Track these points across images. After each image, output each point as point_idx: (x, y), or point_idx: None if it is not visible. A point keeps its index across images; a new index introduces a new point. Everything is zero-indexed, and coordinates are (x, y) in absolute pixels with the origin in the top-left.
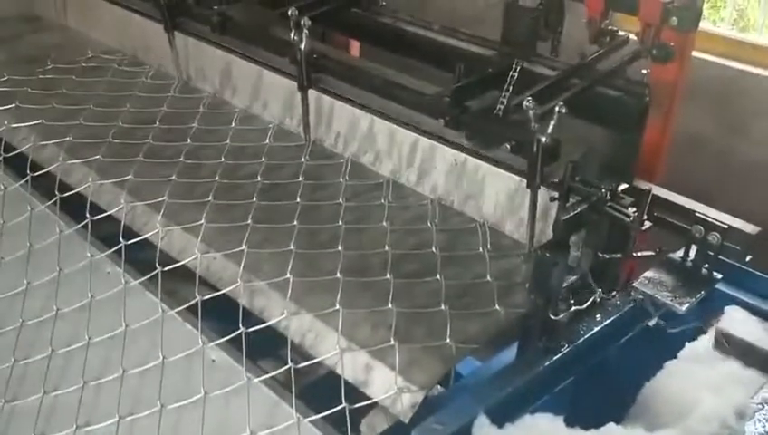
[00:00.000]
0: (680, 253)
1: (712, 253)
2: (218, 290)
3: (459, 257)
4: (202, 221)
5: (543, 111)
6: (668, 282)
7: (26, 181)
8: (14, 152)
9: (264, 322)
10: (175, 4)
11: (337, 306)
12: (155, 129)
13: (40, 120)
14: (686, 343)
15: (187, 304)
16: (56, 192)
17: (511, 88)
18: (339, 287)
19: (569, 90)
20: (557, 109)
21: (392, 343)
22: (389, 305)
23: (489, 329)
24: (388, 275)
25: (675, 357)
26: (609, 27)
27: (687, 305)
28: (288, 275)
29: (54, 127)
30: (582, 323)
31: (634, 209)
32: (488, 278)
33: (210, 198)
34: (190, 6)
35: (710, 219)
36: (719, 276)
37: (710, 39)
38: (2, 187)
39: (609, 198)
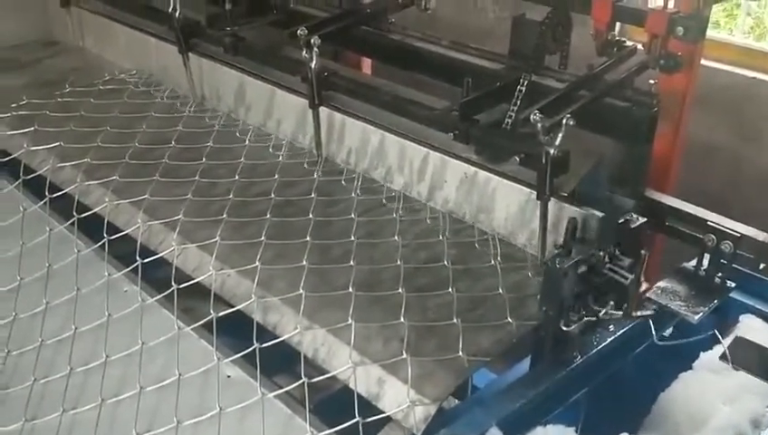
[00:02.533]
0: (693, 262)
1: (725, 261)
2: (233, 307)
3: (471, 270)
4: (216, 239)
5: (551, 123)
6: (682, 291)
7: (45, 203)
8: (33, 175)
9: (277, 337)
10: (189, 27)
11: (349, 321)
12: (170, 148)
13: (58, 143)
14: (701, 353)
15: (202, 321)
16: (74, 213)
17: (519, 101)
18: (351, 302)
19: (577, 102)
20: (564, 121)
21: (404, 356)
22: (401, 319)
23: (502, 341)
24: (400, 289)
25: (690, 367)
26: (617, 38)
27: (701, 315)
28: (301, 291)
29: (72, 149)
30: (595, 335)
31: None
32: (500, 291)
33: (224, 216)
34: (203, 29)
35: (722, 228)
36: (732, 285)
37: (722, 47)
38: (21, 208)
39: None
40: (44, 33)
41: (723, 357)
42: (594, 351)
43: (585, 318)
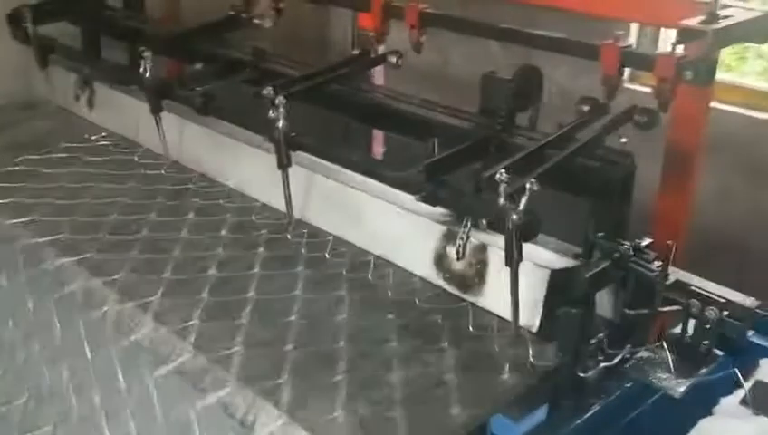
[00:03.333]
0: (678, 328)
1: (710, 328)
2: None
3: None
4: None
5: (514, 188)
6: (666, 360)
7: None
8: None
9: None
10: (160, 87)
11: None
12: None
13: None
14: (721, 398)
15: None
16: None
17: (487, 161)
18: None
19: (546, 161)
20: (528, 185)
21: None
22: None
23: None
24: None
25: (710, 413)
26: (589, 96)
27: (685, 387)
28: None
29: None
30: (613, 380)
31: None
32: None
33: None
34: (174, 88)
35: (707, 293)
36: (720, 353)
37: (733, 90)
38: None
39: (632, 253)
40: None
41: (743, 402)
42: (612, 397)
43: (602, 364)
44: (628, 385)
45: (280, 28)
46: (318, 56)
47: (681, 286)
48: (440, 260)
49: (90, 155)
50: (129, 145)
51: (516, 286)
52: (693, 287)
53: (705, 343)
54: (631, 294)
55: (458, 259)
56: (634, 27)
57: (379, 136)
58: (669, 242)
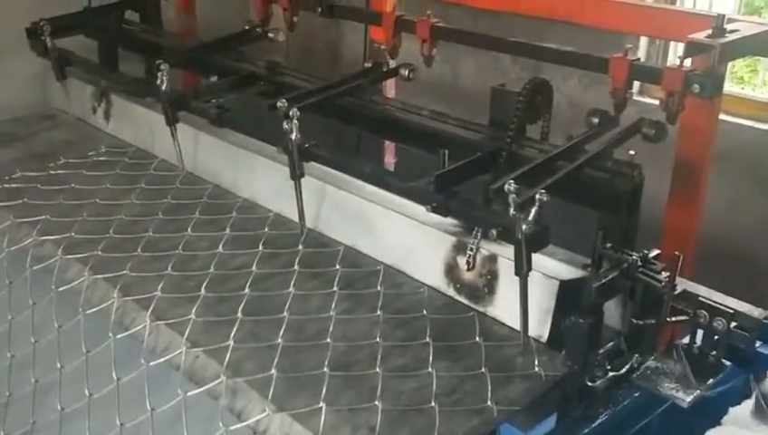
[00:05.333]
0: (686, 339)
1: (718, 339)
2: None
3: (454, 348)
4: (191, 316)
5: (523, 199)
6: (675, 371)
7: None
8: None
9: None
10: (176, 99)
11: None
12: (156, 221)
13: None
14: (730, 408)
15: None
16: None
17: (497, 172)
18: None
19: (555, 172)
20: (538, 196)
21: None
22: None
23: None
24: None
25: (718, 423)
26: (598, 108)
27: (693, 397)
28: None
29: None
30: (621, 390)
31: (666, 274)
32: (482, 370)
33: (202, 292)
34: (189, 100)
35: (715, 304)
36: (728, 363)
37: (744, 103)
38: (7, 281)
39: (640, 264)
40: (41, 106)
41: (754, 413)
42: (620, 407)
43: (611, 373)
44: (637, 395)
45: (293, 41)
46: (330, 69)
47: (689, 297)
48: (450, 271)
49: (106, 165)
50: (145, 156)
51: (526, 296)
52: (701, 298)
53: (713, 353)
54: (639, 305)
55: (468, 269)
56: (643, 41)
57: (390, 147)
58: (677, 253)
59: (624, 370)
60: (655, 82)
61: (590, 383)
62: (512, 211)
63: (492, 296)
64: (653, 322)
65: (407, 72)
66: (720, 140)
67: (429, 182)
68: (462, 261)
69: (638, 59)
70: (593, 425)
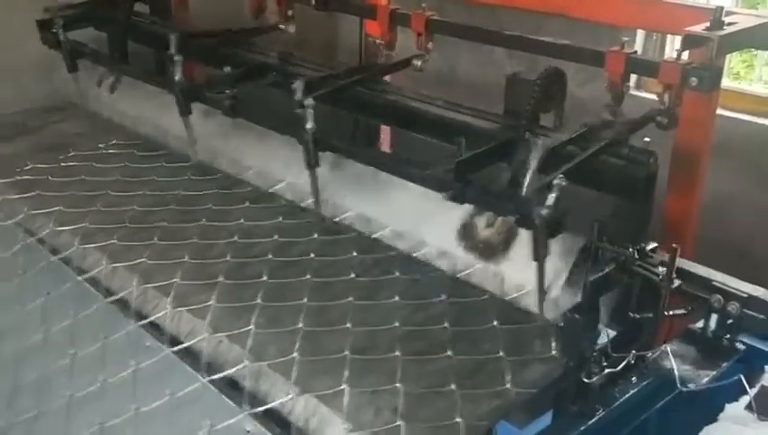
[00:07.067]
0: (701, 323)
1: (732, 323)
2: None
3: (471, 332)
4: (211, 302)
5: (541, 184)
6: (689, 353)
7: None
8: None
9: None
10: (189, 90)
11: (343, 386)
12: (170, 211)
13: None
14: (726, 405)
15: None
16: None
17: (513, 160)
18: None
19: (571, 160)
20: (556, 182)
21: (398, 423)
22: (397, 384)
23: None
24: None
25: (715, 419)
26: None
27: (708, 378)
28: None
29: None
30: (617, 387)
31: (663, 268)
32: (500, 354)
33: (220, 278)
34: (203, 91)
35: (729, 288)
36: (741, 347)
37: (741, 98)
38: (20, 271)
39: (637, 257)
40: (52, 98)
41: (748, 408)
42: (616, 404)
43: (607, 370)
44: (633, 391)
45: (287, 35)
46: (327, 61)
47: (703, 281)
48: (465, 229)
49: (117, 157)
50: (155, 148)
51: (543, 280)
52: (715, 282)
53: (727, 337)
54: (636, 299)
55: (488, 226)
56: (640, 34)
57: (386, 134)
58: (674, 246)
59: (621, 366)
60: (652, 76)
61: (586, 380)
62: (532, 197)
63: (507, 254)
64: (650, 316)
65: (419, 63)
66: (717, 134)
67: (448, 170)
68: (480, 220)
69: (635, 52)
70: (590, 422)
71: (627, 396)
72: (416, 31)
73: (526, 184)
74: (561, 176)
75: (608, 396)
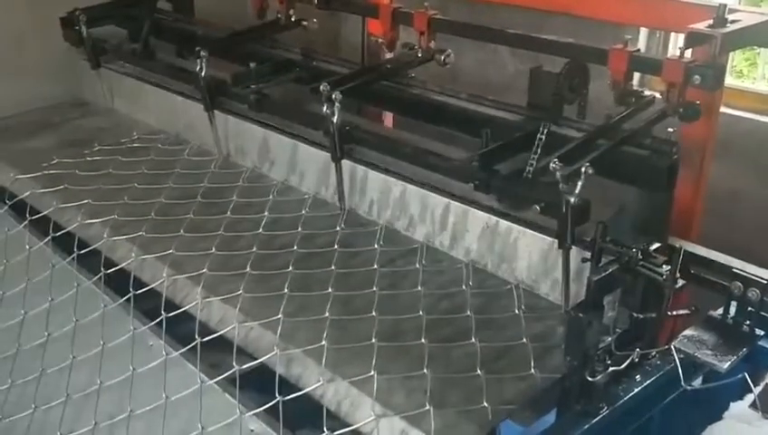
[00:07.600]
0: (720, 310)
1: (752, 309)
2: (256, 359)
3: (494, 320)
4: (240, 291)
5: (570, 171)
6: (709, 340)
7: (73, 258)
8: (61, 232)
9: (300, 390)
10: (214, 86)
11: (372, 372)
12: (196, 203)
13: (86, 200)
14: (731, 403)
15: (225, 374)
16: (101, 268)
17: (539, 150)
18: (374, 353)
19: (595, 151)
20: (584, 169)
21: (427, 407)
22: (425, 370)
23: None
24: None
25: (720, 418)
26: (635, 88)
27: (729, 363)
28: (323, 343)
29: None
30: (621, 385)
31: (667, 268)
32: (524, 340)
33: (248, 269)
34: (228, 86)
35: (749, 275)
36: (761, 333)
37: (744, 95)
38: (51, 264)
39: (641, 257)
40: (75, 94)
41: (753, 406)
42: (620, 402)
43: (611, 368)
44: (638, 390)
45: (293, 33)
46: None
47: (722, 268)
48: None
49: (141, 151)
50: (177, 142)
51: (568, 268)
52: (735, 269)
53: (746, 323)
54: (640, 298)
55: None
56: (643, 32)
57: (388, 122)
58: (678, 245)
59: (625, 365)
60: (655, 74)
61: (590, 378)
62: (561, 185)
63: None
64: (654, 315)
65: (443, 58)
66: (720, 132)
67: (473, 161)
68: None
69: (638, 50)
70: (594, 420)
71: (631, 394)
72: (418, 29)
73: (557, 173)
74: (588, 164)
75: (612, 394)
